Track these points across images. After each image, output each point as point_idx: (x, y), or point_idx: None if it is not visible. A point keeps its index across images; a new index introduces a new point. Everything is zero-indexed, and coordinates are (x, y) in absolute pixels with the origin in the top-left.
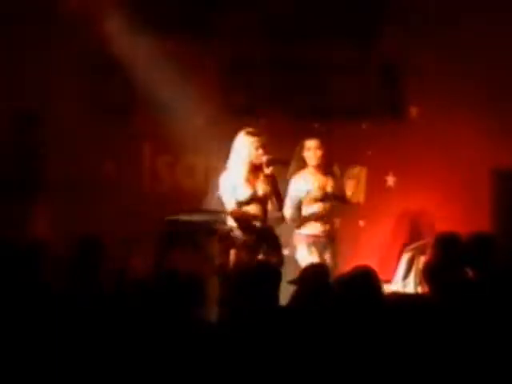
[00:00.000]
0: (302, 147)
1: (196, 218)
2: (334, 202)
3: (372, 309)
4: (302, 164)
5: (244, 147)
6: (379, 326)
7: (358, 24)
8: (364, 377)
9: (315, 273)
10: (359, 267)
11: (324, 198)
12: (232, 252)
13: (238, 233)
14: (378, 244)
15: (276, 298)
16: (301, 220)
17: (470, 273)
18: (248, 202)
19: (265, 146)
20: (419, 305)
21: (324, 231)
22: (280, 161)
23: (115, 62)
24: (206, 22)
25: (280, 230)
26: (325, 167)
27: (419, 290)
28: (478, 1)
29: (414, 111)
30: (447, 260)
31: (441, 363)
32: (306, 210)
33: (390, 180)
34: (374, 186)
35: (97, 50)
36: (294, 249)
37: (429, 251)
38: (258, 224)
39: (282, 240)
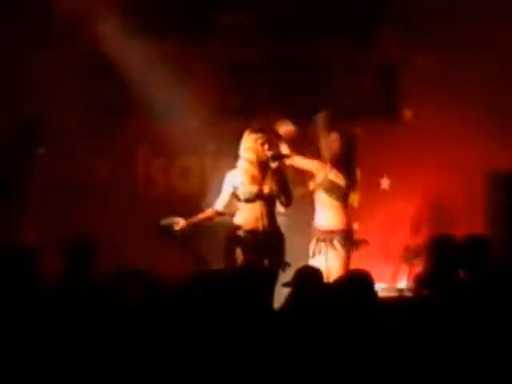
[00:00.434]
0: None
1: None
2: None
3: (367, 312)
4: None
5: (249, 145)
6: (374, 329)
7: (355, 25)
8: (357, 379)
9: (309, 275)
10: (356, 271)
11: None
12: (238, 252)
13: (244, 232)
14: (372, 246)
15: (269, 300)
16: None
17: (464, 275)
18: (253, 200)
19: (270, 143)
20: (413, 308)
21: None
22: (284, 155)
23: (111, 64)
24: (202, 23)
25: None
26: None
27: (413, 292)
28: (475, 2)
29: (408, 113)
30: (441, 262)
31: (435, 366)
32: None
33: (385, 182)
34: (369, 188)
35: (93, 51)
36: None
37: (423, 254)
38: (263, 224)
39: None
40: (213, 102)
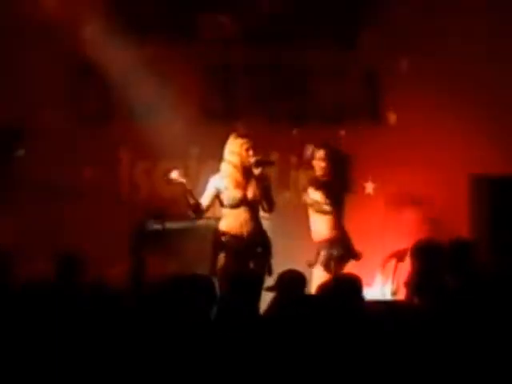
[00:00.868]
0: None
1: (174, 224)
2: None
3: (355, 316)
4: None
5: (234, 149)
6: (362, 334)
7: (337, 29)
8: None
9: (292, 279)
10: (345, 275)
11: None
12: (221, 256)
13: (228, 238)
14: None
15: (255, 304)
16: None
17: (449, 279)
18: (237, 205)
19: (255, 148)
20: (398, 312)
21: None
22: (267, 162)
23: (93, 68)
24: (184, 26)
25: None
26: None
27: (397, 296)
28: (459, 8)
29: (392, 117)
30: (426, 267)
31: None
32: None
33: (369, 187)
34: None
35: (75, 53)
36: None
37: (407, 258)
38: (248, 229)
39: None
40: (196, 105)
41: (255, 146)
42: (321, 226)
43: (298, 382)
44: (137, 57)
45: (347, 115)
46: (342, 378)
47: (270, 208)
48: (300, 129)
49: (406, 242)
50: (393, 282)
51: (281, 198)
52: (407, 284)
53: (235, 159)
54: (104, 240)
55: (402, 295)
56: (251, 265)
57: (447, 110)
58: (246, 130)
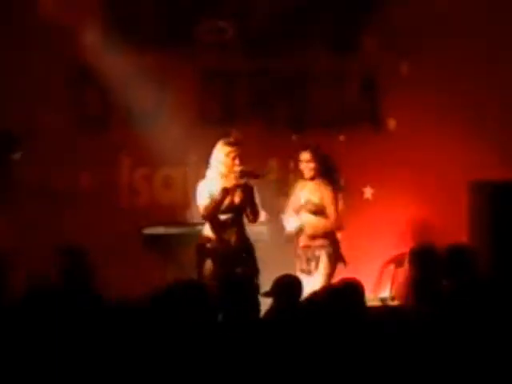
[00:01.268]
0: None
1: (173, 230)
2: None
3: (356, 321)
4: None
5: (221, 158)
6: (363, 338)
7: (336, 35)
8: None
9: (288, 284)
10: (348, 280)
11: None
12: (207, 262)
13: (214, 244)
14: (355, 256)
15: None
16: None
17: (447, 285)
18: (225, 211)
19: (241, 157)
20: (397, 317)
21: None
22: (252, 174)
23: (92, 75)
24: (182, 32)
25: None
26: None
27: (396, 302)
28: (456, 16)
29: (392, 123)
30: (423, 272)
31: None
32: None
33: (368, 192)
34: (352, 197)
35: (74, 60)
36: None
37: (406, 264)
38: (233, 236)
39: None
40: (194, 111)
41: (242, 154)
42: (312, 226)
43: None
44: (135, 62)
45: (346, 120)
46: (344, 381)
47: (255, 218)
48: (299, 134)
49: (405, 248)
50: (391, 288)
51: (278, 203)
52: (405, 289)
53: (222, 168)
54: (102, 245)
55: (400, 301)
56: (238, 270)
57: (446, 114)
58: (239, 136)
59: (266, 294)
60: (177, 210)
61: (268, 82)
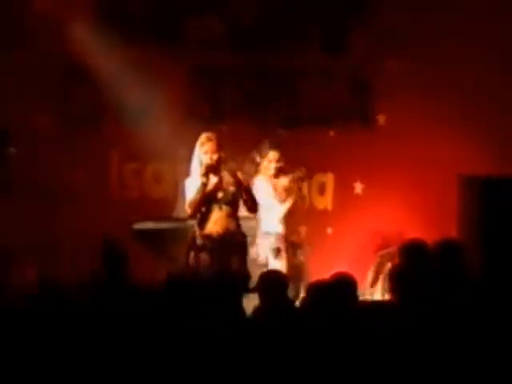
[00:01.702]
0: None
1: (163, 225)
2: None
3: (349, 315)
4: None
5: (200, 157)
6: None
7: (327, 33)
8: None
9: (273, 280)
10: (340, 274)
11: None
12: (191, 255)
13: (202, 240)
14: (345, 251)
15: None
16: None
17: (437, 280)
18: (216, 203)
19: (219, 150)
20: (386, 312)
21: None
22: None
23: (83, 71)
24: (171, 29)
25: None
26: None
27: (386, 297)
28: (448, 11)
29: (381, 119)
30: (413, 267)
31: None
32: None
33: (358, 187)
34: (342, 193)
35: (63, 57)
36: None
37: (396, 259)
38: (220, 230)
39: None
40: (183, 107)
41: (213, 149)
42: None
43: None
44: (125, 59)
45: (336, 117)
46: (339, 377)
47: (253, 205)
48: (289, 131)
49: (395, 243)
50: (383, 282)
51: None
52: (395, 284)
53: (203, 160)
54: (94, 240)
55: (390, 295)
56: (231, 263)
57: (435, 110)
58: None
59: (252, 290)
60: (167, 205)
61: (257, 79)
